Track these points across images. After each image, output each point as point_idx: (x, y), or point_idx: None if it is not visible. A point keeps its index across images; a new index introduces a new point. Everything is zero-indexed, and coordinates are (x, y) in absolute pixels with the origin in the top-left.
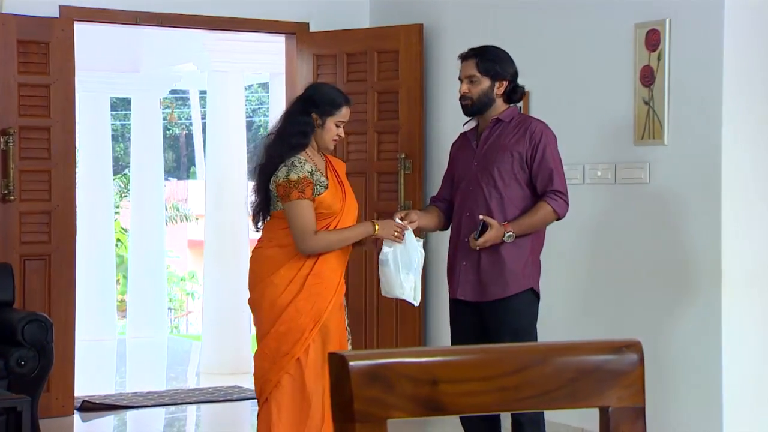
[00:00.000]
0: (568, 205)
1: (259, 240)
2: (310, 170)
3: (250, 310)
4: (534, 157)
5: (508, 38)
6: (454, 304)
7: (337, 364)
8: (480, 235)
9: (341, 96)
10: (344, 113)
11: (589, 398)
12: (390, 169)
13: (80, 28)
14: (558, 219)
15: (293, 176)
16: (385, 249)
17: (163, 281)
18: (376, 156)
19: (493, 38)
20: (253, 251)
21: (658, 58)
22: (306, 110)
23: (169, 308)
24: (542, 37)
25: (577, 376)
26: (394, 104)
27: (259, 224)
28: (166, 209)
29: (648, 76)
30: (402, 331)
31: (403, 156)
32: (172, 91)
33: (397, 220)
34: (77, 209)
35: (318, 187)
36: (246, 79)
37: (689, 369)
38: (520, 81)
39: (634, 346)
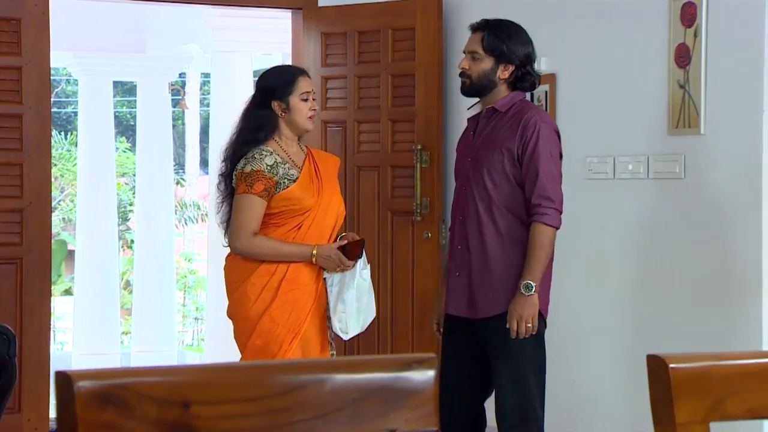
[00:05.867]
0: (560, 211)
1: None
2: (270, 163)
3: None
4: (524, 155)
5: (533, 15)
6: (447, 319)
7: (61, 383)
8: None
9: (292, 69)
10: (303, 84)
11: (372, 421)
12: (405, 162)
13: (72, 4)
14: (557, 229)
15: (247, 168)
16: (326, 274)
17: (173, 289)
18: (389, 147)
19: (516, 14)
20: (226, 257)
21: (695, 35)
22: (263, 103)
23: (195, 318)
24: (569, 12)
25: (360, 396)
26: (410, 88)
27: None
28: (186, 207)
29: (683, 56)
30: (419, 342)
31: (419, 147)
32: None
33: None
34: (76, 208)
35: (285, 180)
36: (256, 62)
37: None
38: (547, 62)
39: (428, 362)
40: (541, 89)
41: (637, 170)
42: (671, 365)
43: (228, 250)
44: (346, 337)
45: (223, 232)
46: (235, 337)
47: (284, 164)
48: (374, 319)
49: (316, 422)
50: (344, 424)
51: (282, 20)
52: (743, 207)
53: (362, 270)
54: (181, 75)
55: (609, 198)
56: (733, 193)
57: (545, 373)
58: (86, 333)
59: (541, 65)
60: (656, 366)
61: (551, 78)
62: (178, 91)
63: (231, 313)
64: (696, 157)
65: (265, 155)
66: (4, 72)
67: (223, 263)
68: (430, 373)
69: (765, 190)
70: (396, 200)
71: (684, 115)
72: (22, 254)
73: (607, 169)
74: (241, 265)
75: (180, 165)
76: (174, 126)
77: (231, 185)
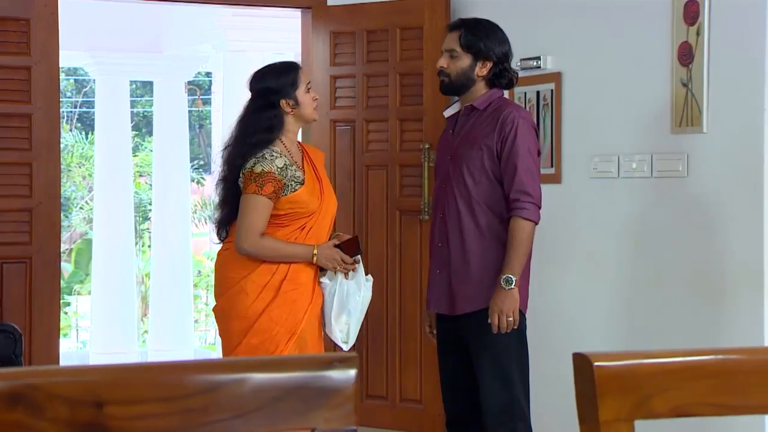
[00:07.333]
0: (539, 206)
1: (226, 241)
2: (281, 165)
3: (215, 319)
4: (502, 151)
5: (538, 14)
6: (437, 318)
7: None
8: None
9: (289, 64)
10: (304, 77)
11: (291, 420)
12: (413, 161)
13: (87, 4)
14: (536, 224)
15: (257, 168)
16: (324, 280)
17: (189, 288)
18: (398, 146)
19: (521, 13)
20: (219, 253)
21: (697, 33)
22: (269, 104)
23: None
24: (573, 11)
25: (280, 395)
26: (418, 87)
27: (223, 236)
28: (207, 206)
29: (686, 54)
30: (427, 340)
31: (427, 146)
32: None
33: None
34: (94, 209)
35: (292, 183)
36: (268, 61)
37: None
38: (552, 61)
39: (349, 361)
40: (547, 88)
41: (641, 169)
42: (596, 363)
43: (219, 247)
44: (346, 347)
45: (216, 231)
46: (223, 334)
47: (291, 166)
48: (383, 317)
49: (234, 422)
50: (263, 423)
51: (293, 20)
52: (745, 205)
53: (366, 282)
54: (208, 74)
55: (613, 197)
56: (735, 191)
57: (528, 368)
58: (104, 332)
59: (547, 64)
60: (581, 364)
61: (557, 76)
62: (194, 90)
63: (223, 310)
64: (699, 155)
65: (276, 157)
66: (14, 72)
67: (216, 259)
68: (351, 372)
69: (766, 188)
70: (404, 199)
71: (687, 113)
72: (32, 253)
73: (612, 168)
74: (240, 262)
75: (207, 164)
76: (202, 126)
77: (234, 188)
